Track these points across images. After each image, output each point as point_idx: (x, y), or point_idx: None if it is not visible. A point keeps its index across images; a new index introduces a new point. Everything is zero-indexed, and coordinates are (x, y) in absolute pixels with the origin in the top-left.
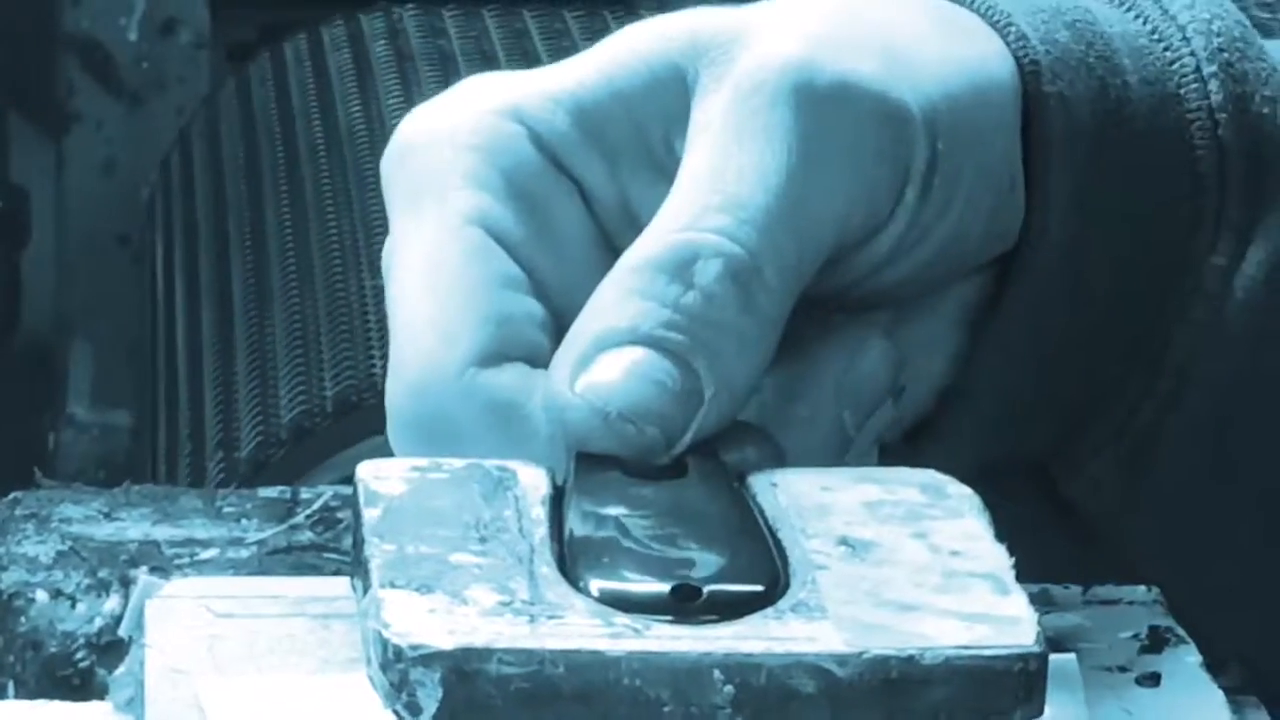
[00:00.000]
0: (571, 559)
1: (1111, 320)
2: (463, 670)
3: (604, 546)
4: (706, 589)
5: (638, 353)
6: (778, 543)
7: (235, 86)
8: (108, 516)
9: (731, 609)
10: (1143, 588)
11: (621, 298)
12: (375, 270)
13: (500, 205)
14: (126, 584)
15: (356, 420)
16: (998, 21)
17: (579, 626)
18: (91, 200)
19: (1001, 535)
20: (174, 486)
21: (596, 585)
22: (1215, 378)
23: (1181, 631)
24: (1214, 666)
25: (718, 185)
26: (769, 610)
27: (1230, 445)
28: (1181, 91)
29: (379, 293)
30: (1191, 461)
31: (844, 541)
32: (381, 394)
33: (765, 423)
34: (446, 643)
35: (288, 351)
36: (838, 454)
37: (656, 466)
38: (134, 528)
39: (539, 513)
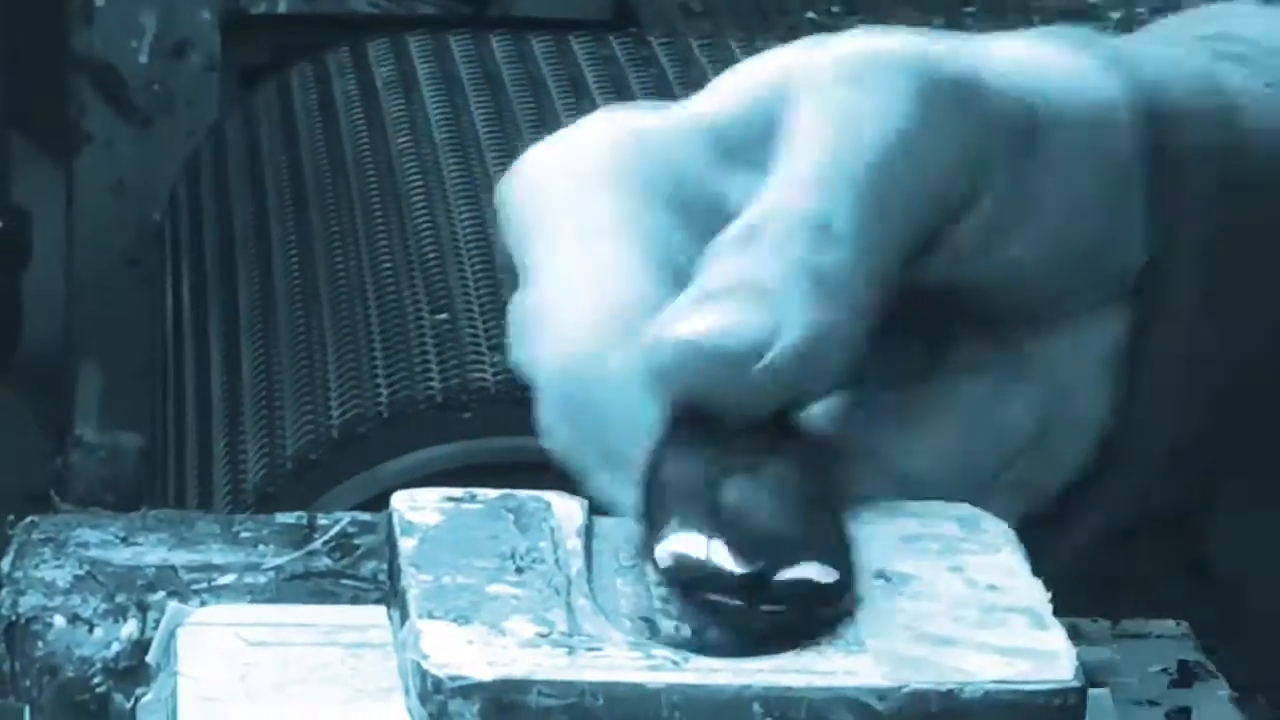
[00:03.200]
0: (654, 507)
1: (1257, 372)
2: (502, 702)
3: (688, 501)
4: (779, 576)
5: (726, 298)
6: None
7: (242, 114)
8: (125, 541)
9: (799, 603)
10: (1171, 622)
11: (718, 261)
12: (381, 298)
13: (650, 210)
14: (144, 609)
15: (362, 450)
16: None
17: (618, 658)
18: (101, 222)
19: (1038, 570)
20: (190, 511)
21: (669, 549)
22: None
23: (1211, 666)
24: (1242, 701)
25: (808, 155)
26: (807, 645)
27: None
28: None
29: (385, 320)
30: None
31: (881, 575)
32: (386, 423)
33: (883, 445)
34: (485, 674)
35: (293, 380)
36: (973, 496)
37: (752, 428)
38: (151, 553)
39: (575, 544)
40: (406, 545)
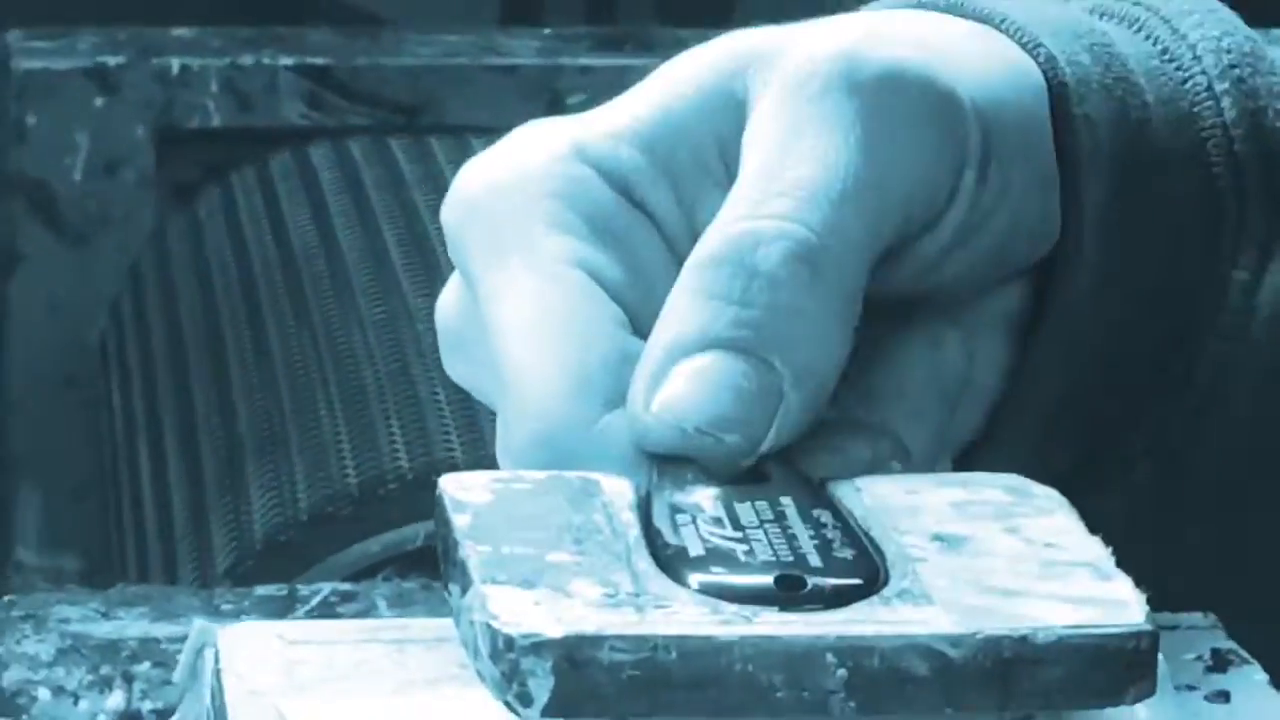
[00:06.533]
0: (665, 560)
1: (1142, 336)
2: (574, 658)
3: (696, 547)
4: (810, 580)
5: (709, 359)
6: (871, 540)
7: (185, 220)
8: (105, 616)
9: (835, 600)
10: (1199, 614)
11: (688, 302)
12: (345, 393)
13: (589, 246)
14: (130, 680)
15: (331, 531)
16: (1027, 43)
17: (688, 614)
18: (36, 342)
19: (1094, 529)
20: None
21: (697, 579)
22: (1244, 389)
23: (1245, 653)
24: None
25: (775, 174)
26: (875, 599)
27: (1265, 448)
28: (1195, 110)
29: (351, 419)
30: (1228, 469)
31: (938, 537)
32: (353, 520)
33: (874, 417)
34: (556, 631)
35: (259, 481)
36: (943, 450)
37: (739, 473)
38: (133, 625)
39: (629, 517)
40: (461, 521)
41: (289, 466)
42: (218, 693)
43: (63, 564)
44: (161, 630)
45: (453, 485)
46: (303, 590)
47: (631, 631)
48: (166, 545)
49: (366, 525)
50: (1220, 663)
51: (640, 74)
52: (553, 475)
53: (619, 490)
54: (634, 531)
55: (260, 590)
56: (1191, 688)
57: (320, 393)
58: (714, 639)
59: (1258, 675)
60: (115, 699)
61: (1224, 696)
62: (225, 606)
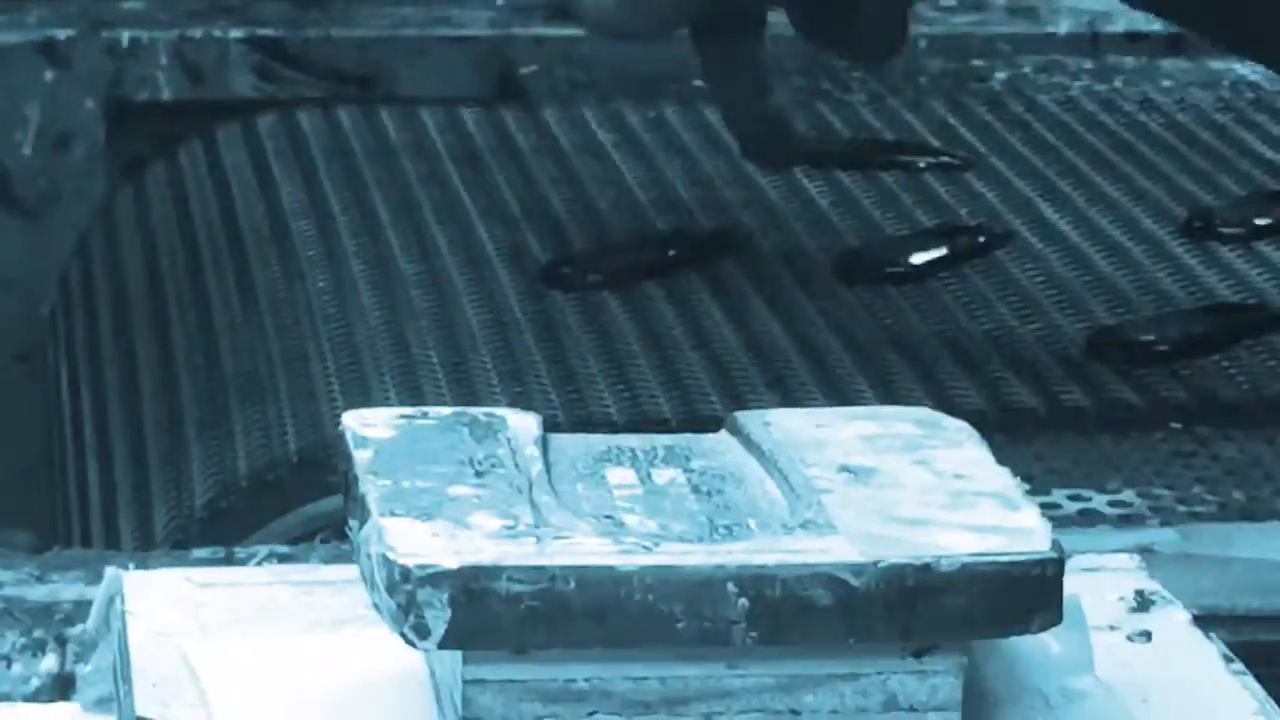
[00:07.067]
0: None
1: None
2: (471, 589)
3: None
4: None
5: None
6: (779, 471)
7: (132, 194)
8: (40, 579)
9: None
10: (1125, 555)
11: None
12: (289, 364)
13: None
14: (63, 643)
15: (273, 497)
16: None
17: (588, 545)
18: None
19: (1003, 462)
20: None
21: None
22: None
23: (1167, 593)
24: (1200, 623)
25: None
26: (778, 528)
27: None
28: None
29: (294, 395)
30: None
31: (845, 469)
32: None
33: None
34: (453, 562)
35: (203, 460)
36: None
37: None
38: (68, 589)
39: (532, 451)
40: (361, 456)
41: (278, 412)
42: (122, 635)
43: (13, 541)
44: (97, 593)
45: (355, 421)
46: (240, 552)
47: (530, 562)
48: (110, 537)
49: (306, 491)
50: (1143, 603)
51: (593, 45)
52: (458, 411)
53: (524, 426)
54: (537, 466)
55: (197, 553)
56: (1114, 628)
57: (265, 375)
58: (614, 569)
59: (1180, 615)
60: (49, 662)
61: (1146, 636)
62: (161, 569)
